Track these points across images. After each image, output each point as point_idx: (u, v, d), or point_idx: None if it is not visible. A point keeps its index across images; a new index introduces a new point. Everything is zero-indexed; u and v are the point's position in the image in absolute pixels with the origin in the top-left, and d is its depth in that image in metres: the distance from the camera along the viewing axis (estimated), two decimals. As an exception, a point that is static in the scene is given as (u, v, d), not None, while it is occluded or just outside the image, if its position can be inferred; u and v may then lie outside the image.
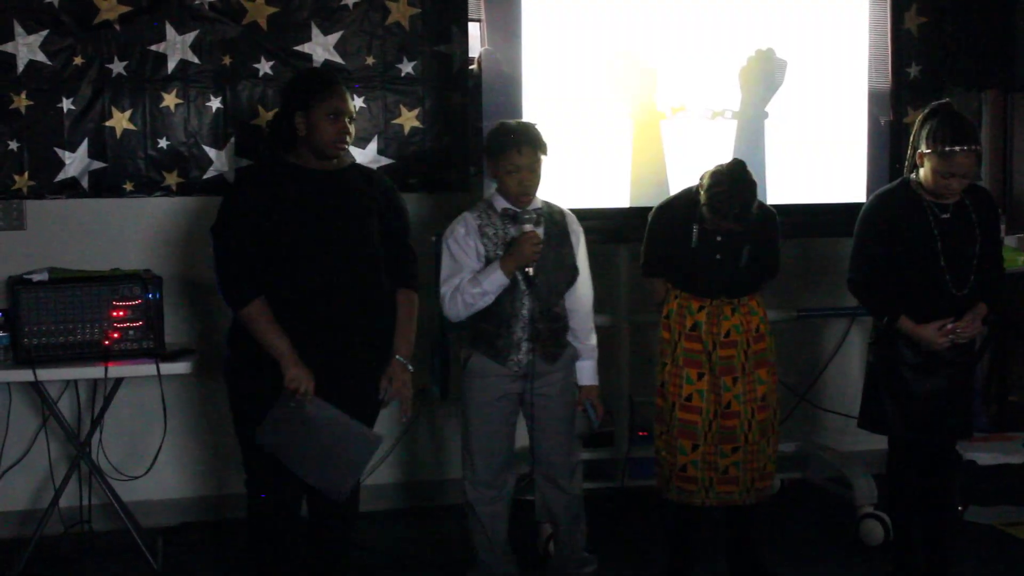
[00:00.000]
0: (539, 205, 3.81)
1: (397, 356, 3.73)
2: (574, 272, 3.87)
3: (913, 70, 5.09)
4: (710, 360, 3.90)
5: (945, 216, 3.86)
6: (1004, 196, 5.42)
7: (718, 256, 3.86)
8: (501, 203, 3.79)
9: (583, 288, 3.92)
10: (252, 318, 3.53)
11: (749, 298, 3.96)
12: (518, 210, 3.75)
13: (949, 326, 3.84)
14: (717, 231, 3.83)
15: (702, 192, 3.81)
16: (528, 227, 3.71)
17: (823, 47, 4.64)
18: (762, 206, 3.90)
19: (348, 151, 3.71)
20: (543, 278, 3.77)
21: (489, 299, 3.74)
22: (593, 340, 3.97)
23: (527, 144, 3.71)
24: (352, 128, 3.65)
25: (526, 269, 3.73)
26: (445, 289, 3.78)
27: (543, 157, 3.76)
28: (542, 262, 3.75)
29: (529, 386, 3.81)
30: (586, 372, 3.97)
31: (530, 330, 3.78)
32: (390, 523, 4.77)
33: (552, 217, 3.84)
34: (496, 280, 3.71)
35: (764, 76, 4.58)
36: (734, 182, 3.75)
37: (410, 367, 3.74)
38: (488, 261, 3.75)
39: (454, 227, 3.82)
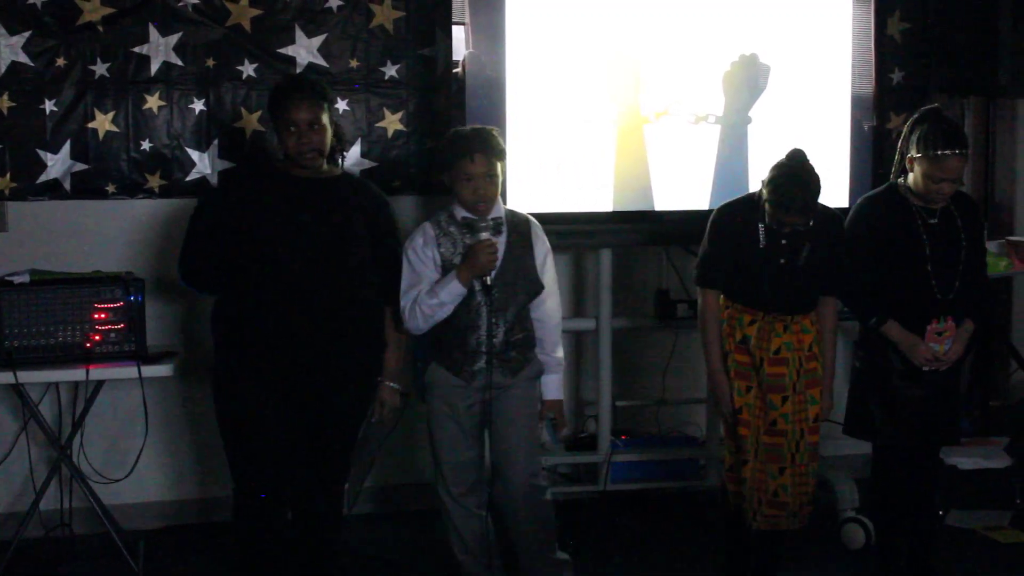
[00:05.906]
0: (500, 213, 3.72)
1: (388, 383, 3.78)
2: (537, 284, 3.76)
3: (896, 76, 5.10)
4: (758, 375, 3.79)
5: (933, 221, 3.86)
6: (986, 202, 5.44)
7: (782, 260, 3.74)
8: (460, 212, 3.68)
9: (550, 300, 3.80)
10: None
11: (803, 316, 3.82)
12: (475, 218, 3.66)
13: (933, 347, 3.85)
14: (782, 232, 3.71)
15: (764, 188, 3.70)
16: (484, 235, 3.62)
17: (806, 52, 4.64)
18: (826, 208, 3.81)
19: (320, 159, 3.65)
20: (501, 288, 3.66)
21: (447, 310, 3.63)
22: (560, 353, 3.85)
23: (479, 151, 3.59)
24: (321, 137, 3.60)
25: (484, 278, 3.63)
26: (405, 301, 3.67)
27: (500, 163, 3.64)
28: (501, 272, 3.65)
29: (488, 396, 3.70)
30: (551, 386, 3.85)
31: (487, 343, 3.68)
32: (376, 527, 4.75)
33: (516, 227, 3.74)
34: (453, 290, 3.61)
35: (748, 81, 4.59)
36: (796, 172, 3.64)
37: (396, 386, 3.81)
38: (446, 271, 3.65)
39: (413, 237, 3.72)
